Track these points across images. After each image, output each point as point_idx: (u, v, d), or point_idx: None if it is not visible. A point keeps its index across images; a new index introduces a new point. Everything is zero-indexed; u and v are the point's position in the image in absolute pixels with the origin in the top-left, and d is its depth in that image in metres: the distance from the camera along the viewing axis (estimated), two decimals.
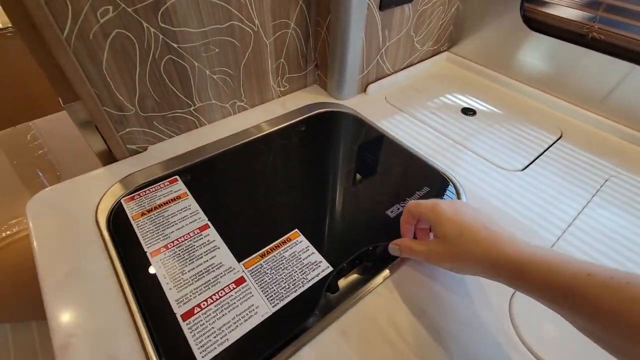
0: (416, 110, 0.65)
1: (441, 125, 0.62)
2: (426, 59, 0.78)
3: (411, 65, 0.76)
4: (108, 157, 0.53)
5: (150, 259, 0.39)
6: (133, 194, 0.47)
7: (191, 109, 0.56)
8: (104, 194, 0.47)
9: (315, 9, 0.59)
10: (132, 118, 0.51)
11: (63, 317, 0.35)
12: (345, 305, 0.37)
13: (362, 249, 0.41)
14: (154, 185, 0.48)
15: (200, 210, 0.45)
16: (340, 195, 0.49)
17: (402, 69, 0.74)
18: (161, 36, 0.46)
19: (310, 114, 0.63)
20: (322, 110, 0.64)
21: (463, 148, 0.57)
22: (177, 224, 0.43)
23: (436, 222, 0.34)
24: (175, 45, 0.48)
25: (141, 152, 0.55)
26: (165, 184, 0.49)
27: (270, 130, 0.59)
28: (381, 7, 0.58)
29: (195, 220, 0.44)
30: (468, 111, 0.66)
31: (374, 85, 0.69)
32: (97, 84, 0.45)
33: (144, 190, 0.48)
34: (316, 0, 0.58)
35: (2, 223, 0.53)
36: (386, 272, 0.40)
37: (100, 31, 0.42)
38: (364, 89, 0.70)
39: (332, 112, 0.64)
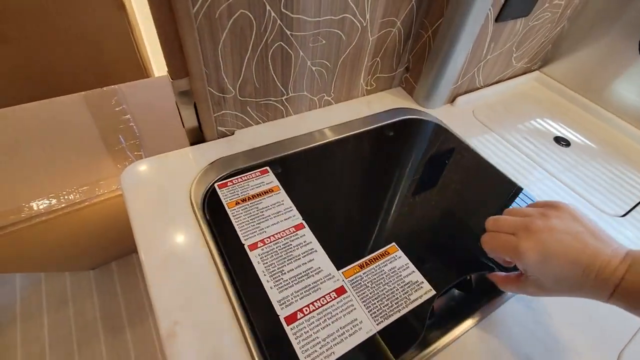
0: (507, 131, 0.62)
1: (534, 153, 0.58)
2: (516, 76, 0.74)
3: (501, 81, 0.72)
4: (196, 135, 0.52)
5: (249, 253, 0.39)
6: (226, 180, 0.46)
7: (283, 98, 0.55)
8: (197, 176, 0.46)
9: (425, 10, 0.56)
10: (230, 101, 0.50)
11: (167, 301, 0.34)
12: (445, 339, 0.36)
13: (463, 276, 0.40)
14: (246, 174, 0.47)
15: (294, 208, 0.44)
16: (432, 210, 0.48)
17: (491, 84, 0.71)
18: (279, 21, 0.44)
19: (398, 119, 0.61)
20: (410, 116, 0.61)
21: (558, 181, 0.54)
22: (271, 218, 0.42)
23: (524, 268, 0.31)
24: (288, 32, 0.46)
25: (229, 135, 0.54)
26: (257, 174, 0.48)
27: (360, 131, 0.57)
28: (498, 19, 0.55)
29: (290, 217, 0.43)
30: (561, 141, 0.62)
31: (463, 97, 0.66)
32: (209, 64, 0.44)
33: (236, 177, 0.47)
34: (429, 2, 0.55)
35: (83, 184, 0.54)
36: (486, 308, 0.38)
37: (226, 10, 0.40)
38: (451, 100, 0.67)
39: (421, 120, 0.61)
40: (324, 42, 0.51)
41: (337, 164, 0.52)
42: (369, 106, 0.63)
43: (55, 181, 0.52)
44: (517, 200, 0.50)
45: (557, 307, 0.39)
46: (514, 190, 0.51)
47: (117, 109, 0.58)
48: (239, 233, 0.40)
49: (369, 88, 0.64)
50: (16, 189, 0.51)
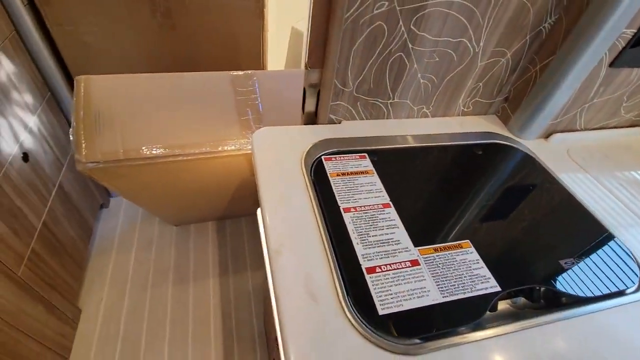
0: (602, 175, 0.61)
1: (630, 201, 0.57)
2: (622, 127, 0.73)
3: (604, 128, 0.71)
4: (310, 119, 0.63)
5: (343, 214, 0.46)
6: (331, 156, 0.55)
7: (389, 101, 0.63)
8: (309, 147, 0.56)
9: (538, 46, 0.60)
10: (347, 94, 0.59)
11: (277, 227, 0.43)
12: (503, 328, 0.38)
13: (531, 284, 0.42)
14: (347, 155, 0.56)
15: (383, 190, 0.51)
16: (512, 225, 0.50)
17: (593, 129, 0.70)
18: (405, 35, 0.53)
19: (489, 141, 0.64)
20: (500, 141, 0.65)
21: None
22: (364, 193, 0.50)
23: None
24: (410, 46, 0.55)
25: (336, 123, 0.63)
26: (356, 157, 0.56)
27: (451, 143, 0.62)
28: (612, 64, 0.56)
29: (379, 196, 0.50)
30: None
31: (559, 135, 0.67)
32: (342, 60, 0.54)
33: (339, 155, 0.55)
34: (543, 40, 0.59)
35: (214, 139, 0.67)
36: (543, 318, 0.40)
37: (368, 20, 0.50)
38: (546, 136, 0.68)
39: (511, 146, 0.64)
40: (437, 59, 0.58)
41: (426, 165, 0.58)
42: (462, 126, 0.68)
43: (197, 132, 0.66)
44: (611, 245, 0.50)
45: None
46: (597, 227, 0.52)
47: (250, 88, 0.72)
48: (337, 197, 0.48)
49: (465, 109, 0.69)
50: (168, 132, 0.66)
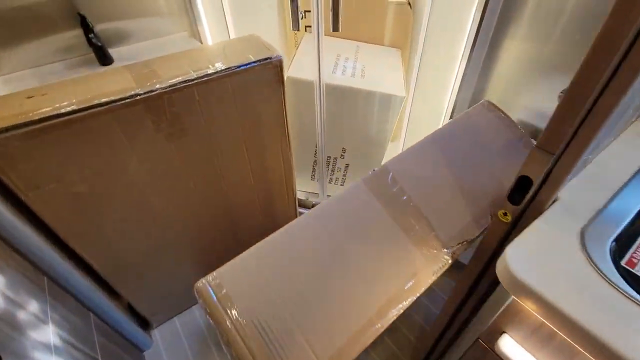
0: None
1: None
2: None
3: None
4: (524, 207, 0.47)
5: None
6: (629, 259, 0.40)
7: None
8: (574, 247, 0.40)
9: None
10: None
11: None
12: None
13: None
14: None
15: None
16: None
17: None
18: None
19: None
20: None
21: None
22: None
23: None
24: None
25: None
26: None
27: None
28: None
29: None
30: None
31: None
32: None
33: (630, 253, 0.41)
34: None
35: (402, 281, 0.48)
36: None
37: None
38: None
39: None
40: None
41: None
42: None
43: (372, 285, 0.45)
44: None
45: None
46: None
47: (394, 189, 0.53)
48: None
49: None
50: (353, 307, 0.44)
